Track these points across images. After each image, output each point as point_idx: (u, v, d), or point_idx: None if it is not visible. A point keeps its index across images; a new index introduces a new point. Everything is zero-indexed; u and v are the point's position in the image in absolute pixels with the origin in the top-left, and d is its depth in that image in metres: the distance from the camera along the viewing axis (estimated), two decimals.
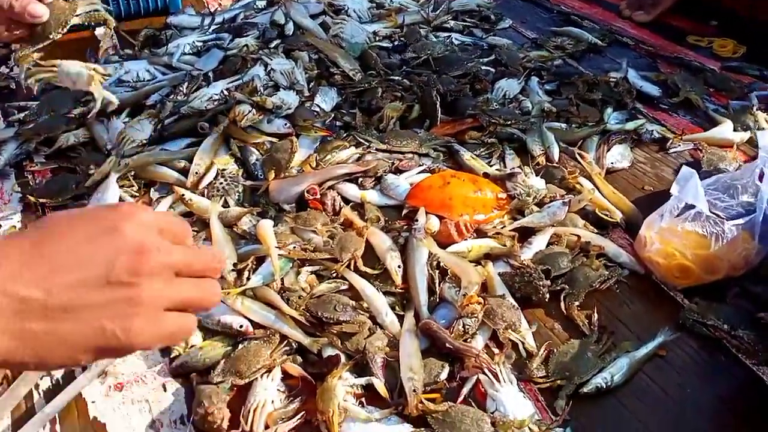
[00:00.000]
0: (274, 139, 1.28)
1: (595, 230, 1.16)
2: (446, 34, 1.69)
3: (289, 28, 1.55)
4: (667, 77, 1.63)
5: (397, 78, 1.47)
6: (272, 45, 1.49)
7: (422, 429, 0.84)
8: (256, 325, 0.97)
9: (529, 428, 0.84)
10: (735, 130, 1.43)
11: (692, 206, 1.04)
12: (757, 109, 1.49)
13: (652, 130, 1.41)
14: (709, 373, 0.95)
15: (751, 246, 1.02)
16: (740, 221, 1.01)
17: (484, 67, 1.56)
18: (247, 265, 1.04)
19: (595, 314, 1.01)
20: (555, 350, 0.95)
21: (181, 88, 1.32)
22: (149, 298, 0.50)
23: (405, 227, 1.12)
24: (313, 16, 1.64)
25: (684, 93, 1.55)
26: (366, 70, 1.50)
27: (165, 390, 0.92)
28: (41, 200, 1.23)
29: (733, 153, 1.35)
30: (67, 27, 0.96)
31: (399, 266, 1.04)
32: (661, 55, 1.76)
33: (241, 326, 0.96)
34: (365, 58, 1.53)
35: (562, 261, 1.08)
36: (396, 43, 1.64)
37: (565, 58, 1.71)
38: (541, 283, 1.02)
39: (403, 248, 1.08)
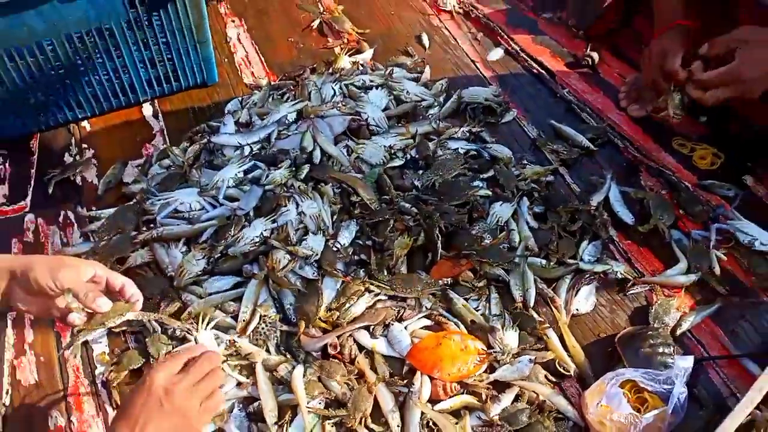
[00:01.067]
0: (302, 288, 1.58)
1: (553, 378, 1.50)
2: (455, 146, 1.92)
3: (317, 156, 1.80)
4: (644, 196, 1.86)
5: (406, 205, 1.74)
6: (303, 174, 1.75)
7: None
8: None
9: None
10: (688, 269, 1.71)
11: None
12: (713, 247, 1.75)
13: (617, 271, 1.69)
14: None
15: (663, 425, 1.35)
16: (655, 413, 1.34)
17: (481, 193, 1.80)
18: (285, 419, 1.40)
19: None
20: None
21: (229, 232, 1.61)
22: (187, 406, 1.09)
23: (405, 384, 1.46)
24: (338, 136, 1.88)
25: (654, 221, 1.80)
26: (381, 193, 1.77)
27: None
28: (123, 328, 1.57)
29: (679, 300, 1.64)
30: (119, 321, 1.23)
31: (398, 425, 1.39)
32: (645, 163, 1.99)
33: None
34: (380, 182, 1.79)
35: (522, 417, 1.43)
36: (408, 157, 1.88)
37: (558, 168, 1.95)
38: None
39: (402, 404, 1.43)
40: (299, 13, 2.46)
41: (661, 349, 1.49)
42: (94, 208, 1.83)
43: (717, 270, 1.70)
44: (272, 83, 2.15)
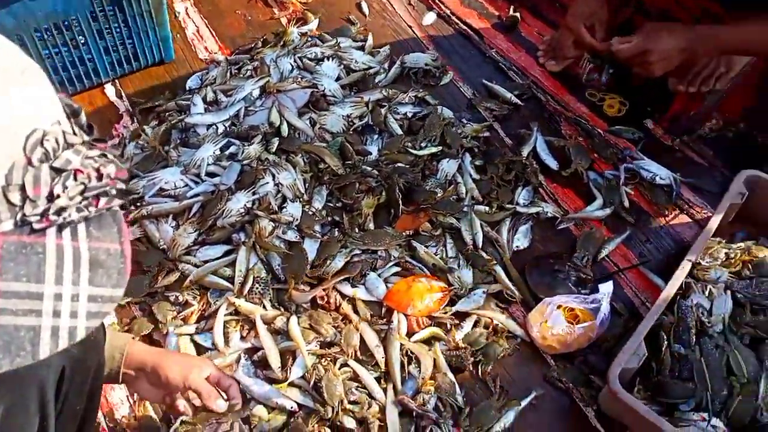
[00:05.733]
0: (287, 250, 1.82)
1: (501, 304, 1.83)
2: (403, 110, 2.16)
3: (284, 129, 2.00)
4: (565, 144, 2.19)
5: (368, 168, 1.99)
6: (274, 148, 1.96)
7: None
8: (299, 406, 1.62)
9: None
10: (604, 204, 2.06)
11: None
12: (622, 184, 2.10)
13: (547, 212, 2.02)
14: (559, 411, 1.69)
15: (592, 334, 1.71)
16: (585, 325, 1.69)
17: (433, 150, 2.07)
18: (288, 360, 1.66)
19: (498, 378, 1.71)
20: (474, 408, 1.66)
21: (216, 206, 1.81)
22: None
23: (385, 322, 1.75)
24: (301, 108, 2.08)
25: (574, 165, 2.13)
26: (344, 159, 2.01)
27: None
28: (127, 299, 1.77)
29: (599, 231, 1.99)
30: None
31: (382, 357, 1.69)
32: (564, 114, 2.30)
33: (291, 407, 1.61)
34: (343, 150, 2.02)
35: (481, 339, 1.76)
36: (365, 124, 2.11)
37: (492, 124, 2.23)
38: (467, 362, 1.70)
39: (384, 339, 1.72)
40: None
41: (556, 267, 1.86)
42: None
43: (626, 203, 2.07)
44: (228, 58, 2.30)
